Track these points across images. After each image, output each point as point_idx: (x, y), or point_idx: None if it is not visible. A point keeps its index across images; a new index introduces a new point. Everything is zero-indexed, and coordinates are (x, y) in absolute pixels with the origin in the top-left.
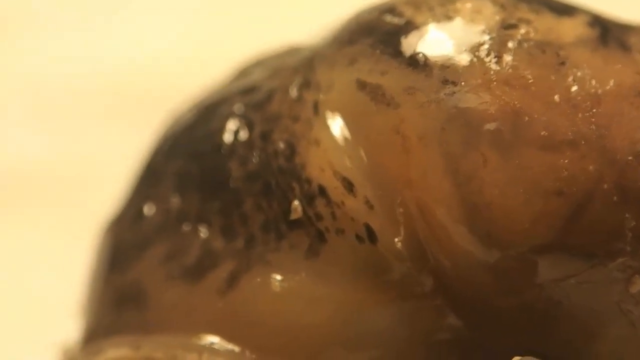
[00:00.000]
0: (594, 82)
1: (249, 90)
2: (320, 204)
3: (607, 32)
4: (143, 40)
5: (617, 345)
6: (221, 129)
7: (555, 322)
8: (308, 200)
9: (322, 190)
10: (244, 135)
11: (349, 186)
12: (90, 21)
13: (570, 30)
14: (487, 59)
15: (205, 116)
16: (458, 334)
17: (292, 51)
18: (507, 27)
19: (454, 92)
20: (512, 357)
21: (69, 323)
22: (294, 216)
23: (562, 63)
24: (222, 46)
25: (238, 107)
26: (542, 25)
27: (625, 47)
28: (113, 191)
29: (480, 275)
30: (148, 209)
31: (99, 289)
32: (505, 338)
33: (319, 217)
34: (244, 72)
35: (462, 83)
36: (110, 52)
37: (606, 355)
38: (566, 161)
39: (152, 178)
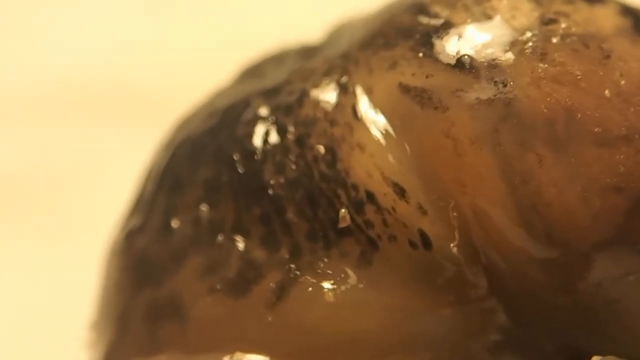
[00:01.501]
0: None
1: (271, 92)
2: (369, 211)
3: (638, 20)
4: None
5: None
6: (250, 134)
7: (610, 318)
8: (356, 207)
9: (371, 197)
10: (276, 140)
11: (401, 192)
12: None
13: (606, 20)
14: (533, 57)
15: (226, 120)
16: (507, 333)
17: (303, 51)
18: (547, 22)
19: (504, 92)
20: (556, 352)
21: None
22: (342, 224)
23: (607, 56)
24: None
25: (263, 110)
26: (580, 17)
27: None
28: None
29: (536, 275)
30: (176, 221)
31: (122, 304)
32: (558, 336)
33: (369, 224)
34: (253, 72)
35: (511, 82)
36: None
37: None
38: (622, 156)
39: (173, 186)
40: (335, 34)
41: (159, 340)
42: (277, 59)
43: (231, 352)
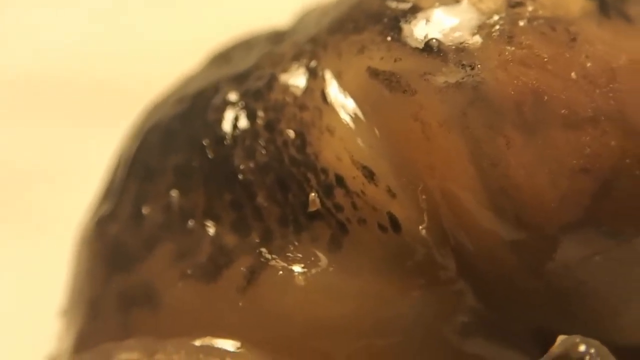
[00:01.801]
0: (607, 57)
1: (240, 78)
2: (339, 195)
3: (604, 3)
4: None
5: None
6: (219, 119)
7: (579, 301)
8: (326, 191)
9: (340, 180)
10: (246, 125)
11: (370, 175)
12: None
13: (573, 3)
14: (500, 40)
15: (196, 106)
16: (478, 315)
17: (272, 36)
18: (514, 5)
19: (472, 76)
20: (530, 336)
21: (40, 328)
22: (312, 208)
23: (574, 39)
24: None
25: (233, 95)
26: (546, 0)
27: (628, 19)
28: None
29: (505, 257)
30: (147, 207)
31: (93, 291)
32: (527, 317)
33: (339, 207)
34: (223, 58)
35: (479, 66)
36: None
37: (628, 329)
38: (588, 138)
39: (144, 173)
40: (304, 19)
41: (131, 325)
42: (246, 45)
43: (203, 336)
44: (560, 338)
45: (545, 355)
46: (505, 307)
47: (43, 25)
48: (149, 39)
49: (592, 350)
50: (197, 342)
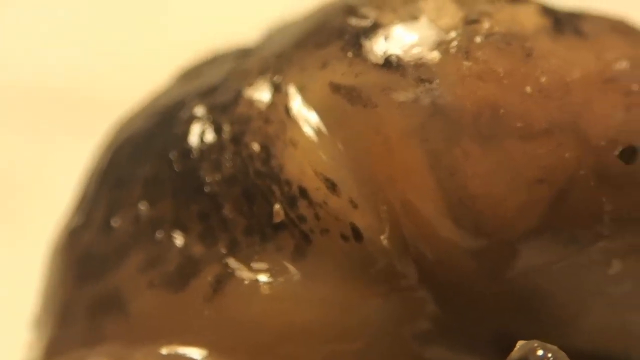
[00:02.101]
0: (561, 71)
1: (208, 92)
2: (302, 206)
3: (559, 20)
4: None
5: (598, 324)
6: (186, 133)
7: (538, 306)
8: (289, 202)
9: (304, 192)
10: (212, 138)
11: (332, 186)
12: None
13: (528, 19)
14: (457, 56)
15: (165, 120)
16: (439, 322)
17: (240, 52)
18: (471, 22)
19: (430, 90)
20: (490, 342)
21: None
22: (276, 219)
23: (529, 54)
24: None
25: (200, 110)
26: (502, 16)
27: (581, 35)
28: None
29: (465, 265)
30: (116, 219)
31: (64, 299)
32: (488, 323)
33: (302, 218)
34: (192, 74)
35: (437, 80)
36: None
37: (587, 334)
38: (544, 150)
39: (115, 185)
40: (271, 35)
41: (101, 332)
42: (214, 61)
43: (170, 344)
44: (520, 343)
45: None
46: (465, 314)
47: (22, 38)
48: (125, 53)
49: (550, 355)
50: (164, 350)
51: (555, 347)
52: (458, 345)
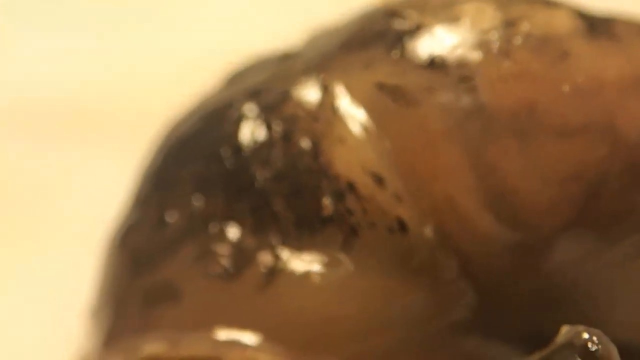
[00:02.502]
0: (595, 72)
1: (255, 93)
2: (350, 200)
3: (592, 23)
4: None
5: (628, 317)
6: (236, 131)
7: (569, 300)
8: (338, 197)
9: (351, 187)
10: (262, 136)
11: (379, 181)
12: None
13: (563, 22)
14: (497, 56)
15: (214, 120)
16: (475, 313)
17: (283, 56)
18: (510, 24)
19: (472, 89)
20: (523, 336)
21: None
22: (325, 213)
23: (565, 55)
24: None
25: (249, 109)
26: (539, 19)
27: (614, 37)
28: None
29: (503, 258)
30: (169, 215)
31: (120, 291)
32: (522, 317)
33: (350, 212)
34: (237, 78)
35: (478, 80)
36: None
37: (617, 327)
38: (579, 147)
39: (165, 185)
40: (313, 41)
41: (154, 320)
42: (257, 66)
43: (224, 330)
44: (564, 328)
45: (549, 345)
46: (502, 307)
47: (27, 51)
48: (128, 63)
49: (595, 339)
50: (217, 335)
51: (599, 331)
52: (493, 336)
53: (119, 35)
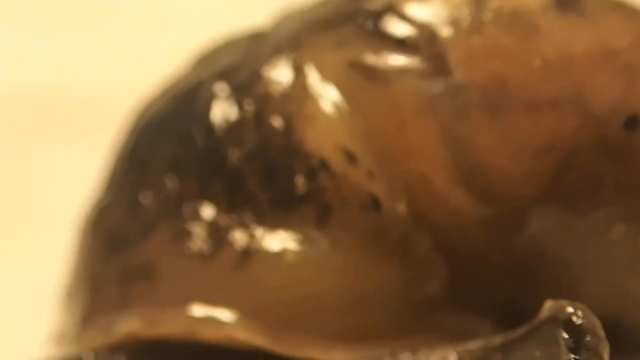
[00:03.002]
0: (565, 46)
1: (226, 73)
2: (323, 178)
3: None
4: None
5: (598, 289)
6: (208, 112)
7: (543, 272)
8: (311, 175)
9: (324, 164)
10: (234, 116)
11: (352, 159)
12: None
13: None
14: (468, 32)
15: (185, 101)
16: (448, 288)
17: (253, 36)
18: (480, 0)
19: (443, 66)
20: (496, 309)
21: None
22: (298, 192)
23: (535, 30)
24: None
25: (220, 89)
26: None
27: (583, 13)
28: None
29: (475, 232)
30: (143, 197)
31: (95, 270)
32: (495, 289)
33: (323, 190)
34: (207, 58)
35: (449, 57)
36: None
37: (587, 298)
38: (549, 120)
39: (138, 167)
40: (282, 21)
41: (130, 298)
42: (227, 46)
43: (200, 307)
44: (548, 303)
45: (533, 320)
46: (475, 280)
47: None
48: (120, 55)
49: (579, 312)
50: (194, 311)
51: (582, 305)
52: (466, 309)
53: (107, 28)
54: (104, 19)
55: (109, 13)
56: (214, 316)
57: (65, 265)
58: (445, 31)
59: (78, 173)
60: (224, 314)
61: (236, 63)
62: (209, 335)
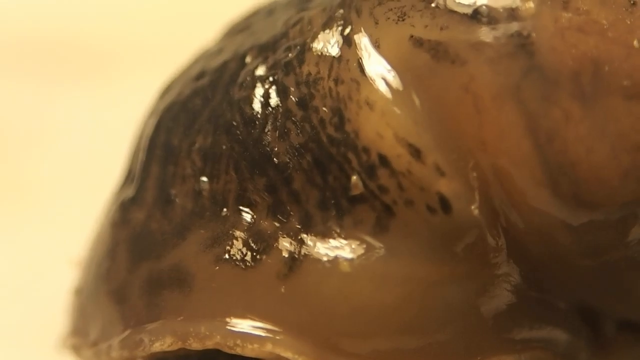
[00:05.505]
0: None
1: (266, 48)
2: (383, 175)
3: None
4: None
5: None
6: (247, 97)
7: (631, 278)
8: (369, 172)
9: (384, 160)
10: (277, 103)
11: (416, 152)
12: None
13: None
14: (555, 6)
15: (219, 81)
16: (522, 296)
17: (298, 2)
18: None
19: (526, 45)
20: (574, 314)
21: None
22: (354, 192)
23: (634, 4)
24: None
25: (261, 69)
26: None
27: None
28: None
29: (559, 237)
30: (174, 193)
31: (120, 277)
32: (572, 295)
33: (384, 189)
34: (241, 27)
35: (533, 34)
36: None
37: None
38: None
39: (166, 155)
40: None
41: (159, 308)
42: (266, 11)
43: (239, 320)
44: None
45: None
46: (551, 286)
47: None
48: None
49: None
50: (234, 326)
51: None
52: (541, 318)
53: None
54: None
55: None
56: (255, 332)
57: (84, 241)
58: (528, 3)
59: (96, 119)
60: (267, 330)
61: (277, 35)
62: (248, 352)
